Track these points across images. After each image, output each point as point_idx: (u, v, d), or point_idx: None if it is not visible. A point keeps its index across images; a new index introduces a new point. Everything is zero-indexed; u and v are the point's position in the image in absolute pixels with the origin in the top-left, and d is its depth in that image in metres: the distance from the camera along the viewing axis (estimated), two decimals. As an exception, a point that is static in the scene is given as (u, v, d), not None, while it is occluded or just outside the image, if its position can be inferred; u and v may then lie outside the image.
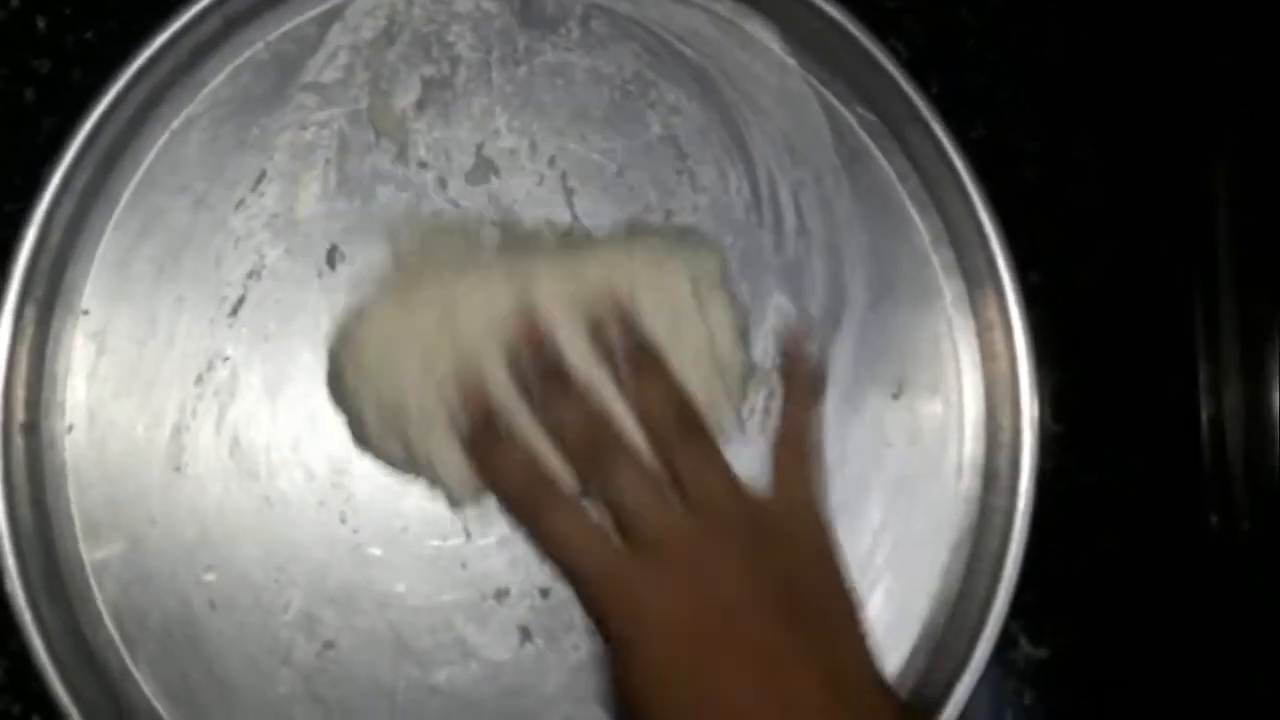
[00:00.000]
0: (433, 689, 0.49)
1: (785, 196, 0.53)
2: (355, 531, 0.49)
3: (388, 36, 0.51)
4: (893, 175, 0.53)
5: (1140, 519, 0.56)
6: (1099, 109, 0.57)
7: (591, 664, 0.49)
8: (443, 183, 0.51)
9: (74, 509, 0.49)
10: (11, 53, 0.51)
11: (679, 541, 0.44)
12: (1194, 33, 0.56)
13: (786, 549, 0.46)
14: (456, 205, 0.51)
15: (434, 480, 0.48)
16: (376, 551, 0.49)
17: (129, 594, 0.48)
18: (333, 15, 0.51)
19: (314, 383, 0.50)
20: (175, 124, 0.49)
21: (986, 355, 0.53)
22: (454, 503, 0.48)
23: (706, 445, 0.47)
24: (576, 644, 0.49)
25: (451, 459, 0.47)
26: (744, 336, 0.50)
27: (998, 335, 0.52)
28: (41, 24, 0.52)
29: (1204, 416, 0.52)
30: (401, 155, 0.50)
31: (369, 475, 0.49)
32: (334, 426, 0.49)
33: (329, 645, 0.49)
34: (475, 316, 0.46)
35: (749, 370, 0.51)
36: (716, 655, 0.42)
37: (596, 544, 0.45)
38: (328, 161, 0.50)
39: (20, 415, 0.47)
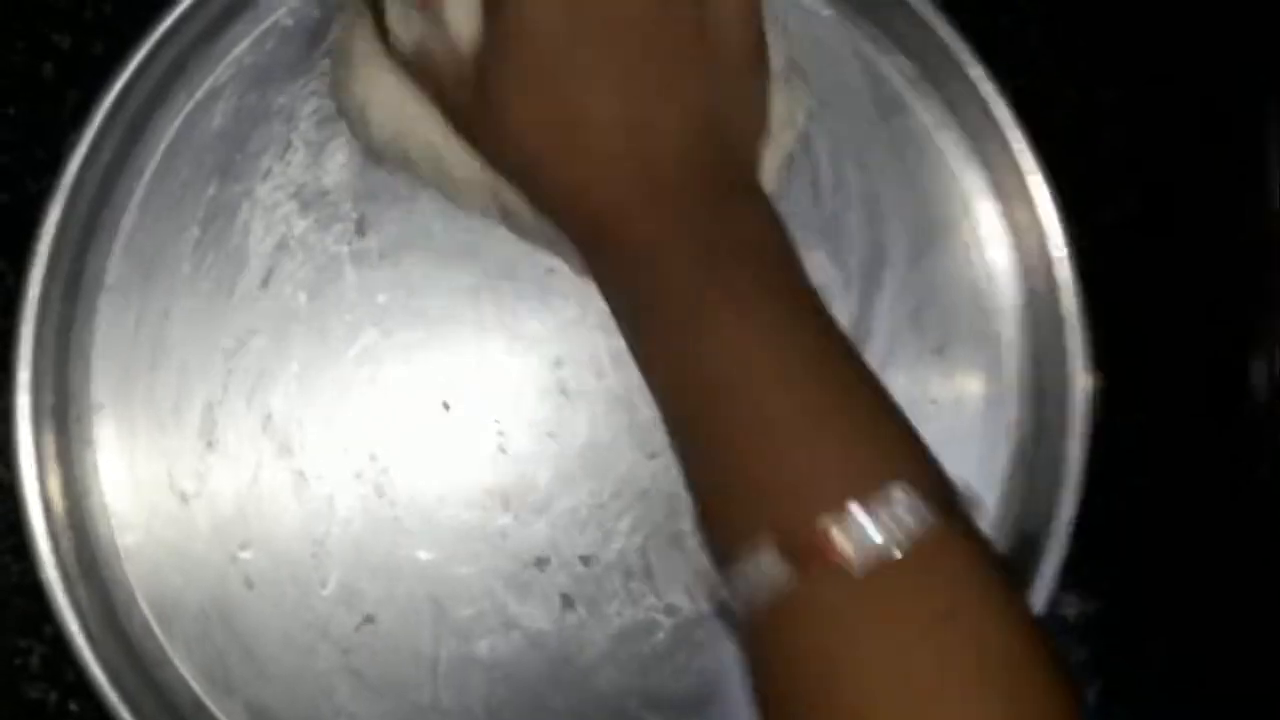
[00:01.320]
0: (474, 660, 0.48)
1: (822, 151, 0.52)
2: (392, 504, 0.49)
3: None
4: (930, 126, 0.52)
5: (1182, 470, 0.55)
6: (1131, 49, 0.56)
7: (635, 630, 0.49)
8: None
9: (105, 489, 0.48)
10: (30, 27, 0.51)
11: None
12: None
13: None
14: (484, 170, 0.50)
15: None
16: (414, 524, 0.49)
17: (162, 574, 0.48)
18: (355, -21, 0.50)
19: (346, 356, 0.49)
20: (199, 94, 0.49)
21: (1031, 308, 0.52)
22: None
23: None
24: (620, 610, 0.49)
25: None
26: None
27: (1042, 287, 0.51)
28: (60, -4, 0.51)
29: (1252, 365, 0.52)
30: (427, 120, 0.50)
31: (405, 447, 0.49)
32: (368, 399, 0.49)
33: (368, 619, 0.48)
34: None
35: None
36: (587, 64, 0.40)
37: None
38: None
39: (49, 397, 0.47)
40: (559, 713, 0.48)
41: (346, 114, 0.48)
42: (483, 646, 0.48)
